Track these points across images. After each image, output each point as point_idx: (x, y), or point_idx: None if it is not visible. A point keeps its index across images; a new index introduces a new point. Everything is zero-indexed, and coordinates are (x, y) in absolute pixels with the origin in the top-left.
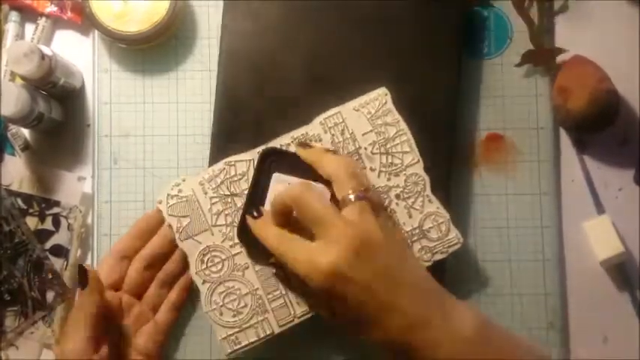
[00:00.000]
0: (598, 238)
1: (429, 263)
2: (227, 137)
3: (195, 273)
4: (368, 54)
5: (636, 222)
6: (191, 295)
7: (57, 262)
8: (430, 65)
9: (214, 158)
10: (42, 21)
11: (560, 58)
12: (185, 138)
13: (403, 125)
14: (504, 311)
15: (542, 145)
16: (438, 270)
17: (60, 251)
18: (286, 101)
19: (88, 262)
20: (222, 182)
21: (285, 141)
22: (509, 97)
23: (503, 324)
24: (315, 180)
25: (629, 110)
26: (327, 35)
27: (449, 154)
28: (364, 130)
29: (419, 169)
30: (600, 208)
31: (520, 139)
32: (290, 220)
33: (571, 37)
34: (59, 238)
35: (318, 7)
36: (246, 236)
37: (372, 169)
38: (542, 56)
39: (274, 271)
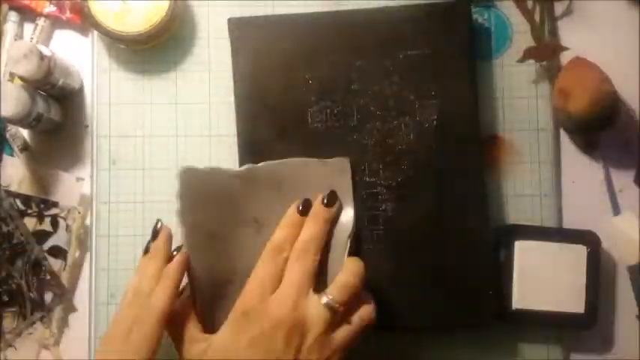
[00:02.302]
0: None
1: None
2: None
3: None
4: (379, 76)
5: None
6: None
7: (55, 263)
8: (446, 81)
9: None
10: (41, 21)
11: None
12: (184, 139)
13: None
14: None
15: (542, 146)
16: None
17: (58, 252)
18: (310, 139)
19: (87, 263)
20: None
21: None
22: (509, 98)
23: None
24: None
25: (630, 111)
26: (340, 71)
27: (477, 163)
28: None
29: None
30: (617, 210)
31: (520, 141)
32: None
33: (572, 37)
34: (58, 239)
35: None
36: None
37: None
38: (543, 52)
39: None
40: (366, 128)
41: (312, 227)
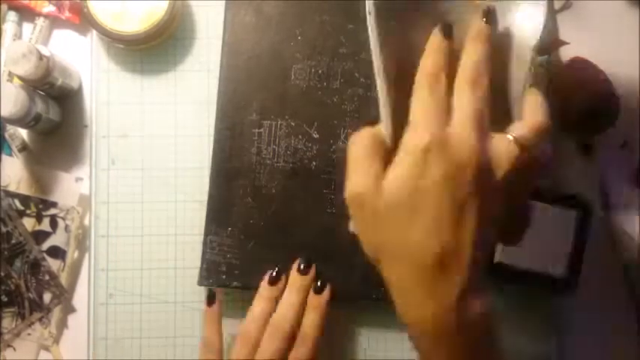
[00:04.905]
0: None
1: None
2: (230, 131)
3: None
4: (369, 43)
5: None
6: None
7: (54, 264)
8: None
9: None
10: (40, 21)
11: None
12: (184, 139)
13: None
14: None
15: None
16: None
17: (57, 252)
18: (290, 96)
19: (85, 263)
20: None
21: None
22: None
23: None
24: None
25: (629, 112)
26: (330, 32)
27: None
28: None
29: None
30: (607, 211)
31: None
32: None
33: (572, 37)
34: (56, 240)
35: (321, 5)
36: None
37: None
38: (542, 47)
39: None
40: (347, 93)
41: (478, 47)
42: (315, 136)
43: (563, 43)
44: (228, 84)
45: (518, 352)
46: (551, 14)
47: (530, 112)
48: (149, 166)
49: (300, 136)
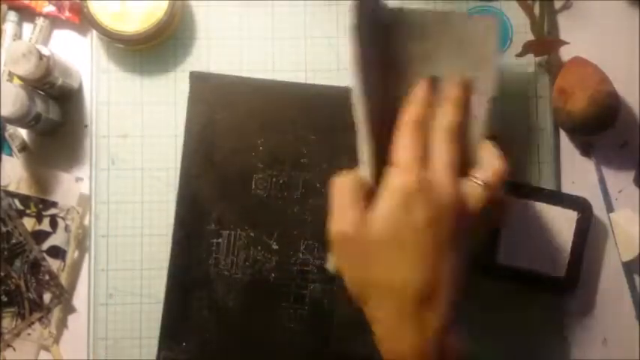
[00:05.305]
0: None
1: None
2: (188, 241)
3: None
4: (330, 154)
5: None
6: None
7: (54, 264)
8: None
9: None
10: (40, 21)
11: (559, 55)
12: (183, 139)
13: None
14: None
15: (542, 146)
16: None
17: (57, 252)
18: (250, 205)
19: (85, 263)
20: None
21: None
22: (509, 98)
23: (507, 326)
24: None
25: (629, 112)
26: (291, 142)
27: None
28: None
29: None
30: (610, 210)
31: (520, 141)
32: None
33: (571, 37)
34: (56, 239)
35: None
36: None
37: None
38: (542, 47)
39: None
40: (308, 203)
41: (454, 110)
42: (275, 247)
43: (563, 43)
44: (187, 192)
45: (519, 351)
46: (551, 15)
47: (490, 159)
48: (149, 166)
49: (259, 247)
